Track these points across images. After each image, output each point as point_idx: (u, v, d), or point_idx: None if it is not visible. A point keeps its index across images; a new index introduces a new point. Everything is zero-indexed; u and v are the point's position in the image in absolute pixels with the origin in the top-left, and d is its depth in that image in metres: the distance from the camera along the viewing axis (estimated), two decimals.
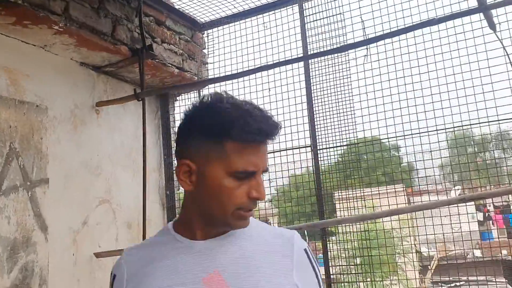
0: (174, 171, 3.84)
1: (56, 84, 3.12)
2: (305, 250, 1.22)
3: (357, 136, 3.44)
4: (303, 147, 3.45)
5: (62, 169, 3.07)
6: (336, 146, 3.43)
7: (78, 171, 3.19)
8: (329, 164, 3.66)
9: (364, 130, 3.37)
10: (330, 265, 3.41)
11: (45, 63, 3.06)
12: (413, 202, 6.02)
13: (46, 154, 2.95)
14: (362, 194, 5.00)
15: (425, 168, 3.46)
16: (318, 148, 3.38)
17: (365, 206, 4.57)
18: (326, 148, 3.42)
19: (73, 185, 3.13)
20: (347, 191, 4.59)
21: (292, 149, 3.50)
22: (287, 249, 1.19)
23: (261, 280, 1.10)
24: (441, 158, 3.52)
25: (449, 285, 6.73)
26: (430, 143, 3.36)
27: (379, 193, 5.61)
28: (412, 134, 3.37)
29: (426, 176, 3.62)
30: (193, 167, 1.12)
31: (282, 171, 3.57)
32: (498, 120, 3.37)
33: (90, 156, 3.29)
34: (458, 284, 6.72)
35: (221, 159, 1.09)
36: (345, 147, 3.69)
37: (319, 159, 3.39)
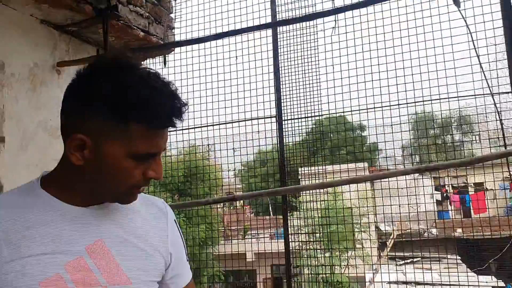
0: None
1: (14, 41, 3.00)
2: (175, 220, 1.24)
3: (321, 109, 3.47)
4: (268, 117, 3.44)
5: (20, 129, 2.97)
6: (301, 118, 3.44)
7: (37, 131, 3.10)
8: (293, 135, 3.68)
9: (328, 103, 3.39)
10: (290, 233, 3.45)
11: (2, 17, 2.93)
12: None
13: (2, 112, 2.85)
14: (324, 170, 5.09)
15: (385, 141, 3.52)
16: (283, 118, 3.38)
17: (327, 178, 4.65)
18: (291, 119, 3.43)
19: (30, 145, 3.04)
20: (310, 168, 4.67)
21: (258, 119, 3.49)
22: (162, 218, 1.20)
23: (141, 249, 1.10)
24: (401, 132, 3.58)
25: (406, 261, 6.96)
26: (391, 117, 3.41)
27: (340, 171, 5.72)
28: (374, 108, 3.41)
29: (387, 150, 3.69)
30: (88, 142, 1.00)
31: (246, 140, 3.57)
32: (458, 97, 3.45)
33: (49, 117, 3.19)
34: (414, 260, 6.96)
35: (124, 139, 0.99)
36: (310, 120, 3.72)
37: (283, 130, 3.40)
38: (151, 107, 0.97)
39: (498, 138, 3.35)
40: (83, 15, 3.16)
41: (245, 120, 3.56)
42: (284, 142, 3.53)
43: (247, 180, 6.53)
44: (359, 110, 3.44)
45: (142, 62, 3.94)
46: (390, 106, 3.37)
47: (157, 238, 1.15)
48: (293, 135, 3.61)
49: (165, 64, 3.57)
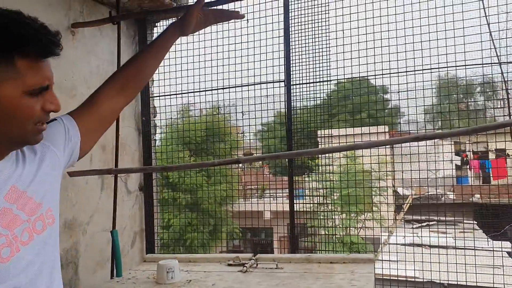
0: (151, 97, 3.88)
1: (28, 2, 3.07)
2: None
3: (330, 74, 3.45)
4: (277, 81, 3.45)
5: None
6: (310, 82, 3.44)
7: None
8: (308, 100, 3.66)
9: (337, 68, 3.37)
10: (305, 194, 3.53)
11: None
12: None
13: None
14: (338, 133, 5.10)
15: (408, 107, 3.49)
16: (292, 83, 3.39)
17: (346, 142, 4.66)
18: (300, 84, 3.43)
19: None
20: (330, 129, 4.68)
21: (266, 83, 3.51)
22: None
23: (43, 172, 1.23)
24: (424, 98, 3.52)
25: (421, 224, 6.99)
26: (415, 82, 3.37)
27: (361, 134, 5.71)
28: (398, 73, 3.37)
29: (408, 114, 3.65)
30: None
31: (255, 104, 3.60)
32: (482, 64, 3.37)
33: (64, 77, 3.29)
34: (429, 223, 6.98)
35: (14, 78, 1.03)
36: (322, 84, 3.69)
37: (292, 94, 3.41)
38: (31, 40, 1.03)
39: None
40: None
41: (254, 84, 3.58)
42: (299, 106, 3.56)
43: (267, 141, 6.61)
44: (381, 74, 3.39)
45: (156, 24, 3.98)
46: (411, 71, 3.33)
47: (46, 153, 1.27)
48: (308, 100, 3.60)
49: None
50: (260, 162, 7.92)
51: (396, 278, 4.81)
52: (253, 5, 3.52)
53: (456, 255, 3.76)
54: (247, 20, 3.51)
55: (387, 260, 4.76)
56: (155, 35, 3.94)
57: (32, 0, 3.10)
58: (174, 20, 1.60)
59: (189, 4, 3.76)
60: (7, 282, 1.07)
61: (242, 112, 3.62)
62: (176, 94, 3.85)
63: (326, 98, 4.22)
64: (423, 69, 3.57)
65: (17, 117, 1.06)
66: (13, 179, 1.14)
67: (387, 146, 7.27)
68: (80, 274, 3.25)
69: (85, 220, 3.37)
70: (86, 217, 3.38)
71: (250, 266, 2.95)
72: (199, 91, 3.83)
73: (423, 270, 3.63)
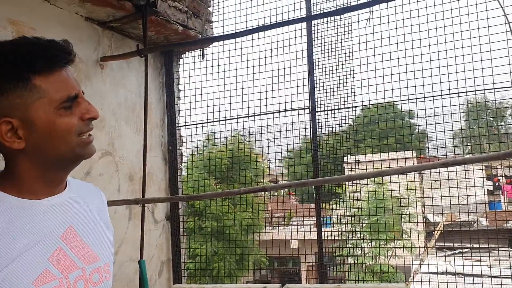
0: (177, 127, 3.93)
1: (61, 38, 3.18)
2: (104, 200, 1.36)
3: (355, 100, 3.44)
4: (302, 108, 3.47)
5: None
6: (335, 109, 3.44)
7: None
8: (333, 126, 3.66)
9: (362, 94, 3.37)
10: (332, 222, 3.47)
11: (50, 16, 3.11)
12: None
13: None
14: (363, 160, 5.04)
15: (436, 132, 3.45)
16: (316, 110, 3.40)
17: (373, 168, 4.60)
18: (325, 111, 3.43)
19: None
20: (357, 155, 4.64)
21: (291, 110, 3.53)
22: (101, 200, 1.30)
23: (100, 229, 1.22)
24: (452, 122, 3.47)
25: (454, 251, 6.79)
26: (442, 107, 3.33)
27: (389, 160, 5.63)
28: (424, 97, 3.34)
29: (438, 139, 3.60)
30: (15, 122, 1.01)
31: (280, 131, 3.61)
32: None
33: None
34: (462, 251, 6.77)
35: (40, 98, 1.02)
36: (346, 111, 3.69)
37: (317, 121, 3.42)
38: (39, 55, 1.02)
39: None
40: (124, 11, 3.31)
41: (279, 112, 3.60)
42: (323, 132, 3.56)
43: (293, 168, 6.57)
44: (407, 100, 3.36)
45: (182, 56, 4.06)
46: (439, 96, 3.29)
47: (105, 217, 1.28)
48: (333, 126, 3.59)
49: (203, 57, 3.67)
50: (286, 189, 7.88)
51: None
52: (277, 34, 3.58)
53: (492, 283, 3.64)
54: (271, 49, 3.56)
55: None
56: (181, 67, 4.02)
57: (63, 35, 3.18)
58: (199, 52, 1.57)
59: (213, 36, 3.84)
60: None
61: (267, 139, 3.62)
62: (202, 123, 3.91)
63: (352, 124, 4.20)
64: (450, 94, 3.52)
65: (58, 135, 1.04)
66: (71, 218, 1.12)
67: (415, 172, 7.15)
68: None
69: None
70: (115, 247, 3.40)
71: None
72: (225, 120, 3.88)
73: None
